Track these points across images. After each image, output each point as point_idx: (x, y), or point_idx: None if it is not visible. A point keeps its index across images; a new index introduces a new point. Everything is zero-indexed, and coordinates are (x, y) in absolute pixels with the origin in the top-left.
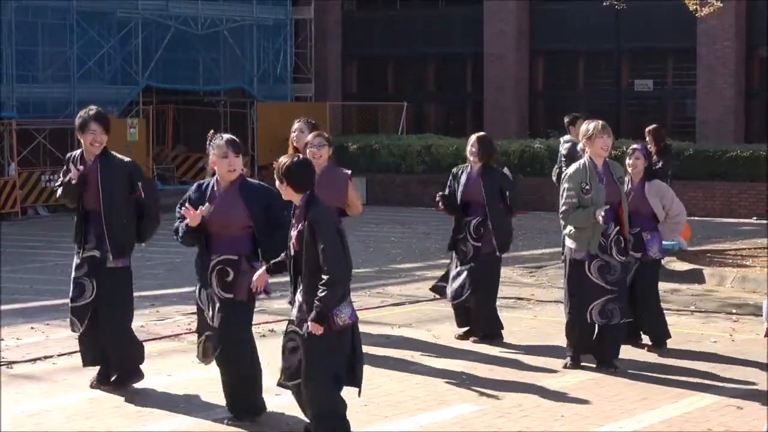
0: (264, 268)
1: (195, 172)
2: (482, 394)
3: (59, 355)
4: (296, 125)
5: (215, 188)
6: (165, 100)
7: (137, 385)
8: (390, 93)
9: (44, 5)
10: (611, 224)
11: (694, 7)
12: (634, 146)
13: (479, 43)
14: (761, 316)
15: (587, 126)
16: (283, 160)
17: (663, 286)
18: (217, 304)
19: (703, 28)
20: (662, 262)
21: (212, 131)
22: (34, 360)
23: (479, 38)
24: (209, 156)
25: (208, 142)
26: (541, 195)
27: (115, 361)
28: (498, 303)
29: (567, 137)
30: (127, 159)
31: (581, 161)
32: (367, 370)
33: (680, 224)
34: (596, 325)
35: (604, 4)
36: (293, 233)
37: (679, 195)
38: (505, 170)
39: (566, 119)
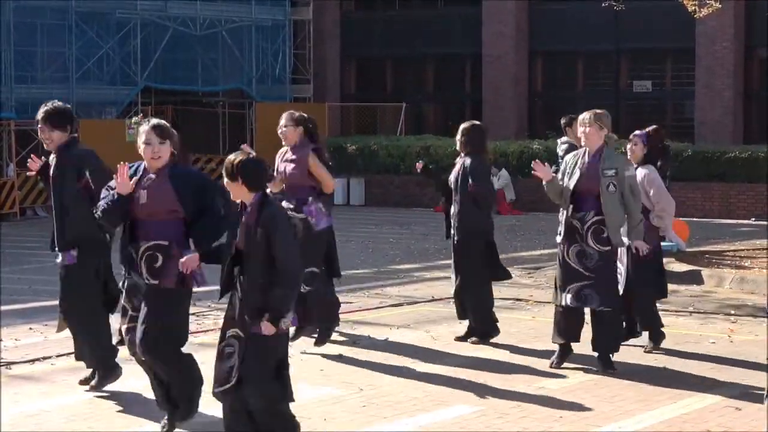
0: (195, 251)
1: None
2: (481, 394)
3: (58, 356)
4: (282, 122)
5: (145, 173)
6: (164, 100)
7: (136, 384)
8: (389, 94)
9: (43, 6)
10: (590, 212)
11: (693, 7)
12: (635, 132)
13: (478, 43)
14: (760, 317)
15: (582, 114)
16: (236, 157)
17: None
18: (143, 292)
19: (702, 29)
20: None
21: (140, 116)
22: (33, 361)
23: (478, 39)
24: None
25: (136, 126)
26: (540, 196)
27: (87, 361)
28: (496, 304)
29: (564, 138)
30: (85, 149)
31: (582, 149)
32: (366, 371)
33: (664, 212)
34: (579, 313)
35: (603, 4)
36: (239, 230)
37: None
38: (503, 172)
39: (563, 120)
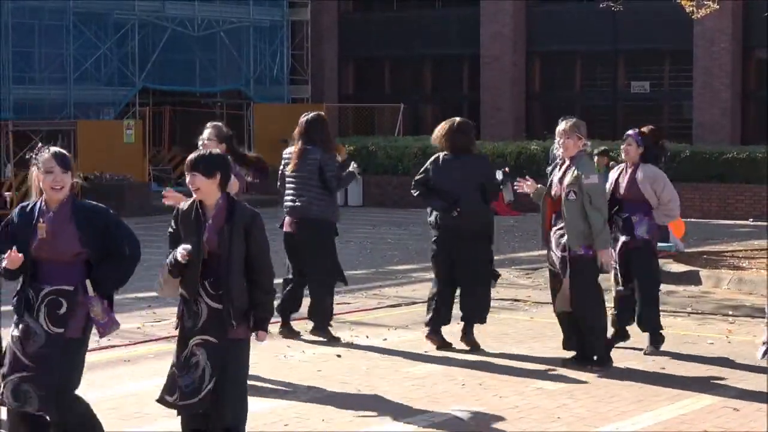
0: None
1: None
2: (479, 395)
3: None
4: (206, 133)
5: (44, 209)
6: (161, 101)
7: (134, 386)
8: (387, 94)
9: (41, 6)
10: (560, 220)
11: (691, 8)
12: (628, 132)
13: (476, 44)
14: (758, 317)
15: (560, 125)
16: (206, 151)
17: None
18: (42, 340)
19: (700, 29)
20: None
21: (39, 145)
22: None
23: (476, 40)
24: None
25: (33, 156)
26: None
27: None
28: (494, 304)
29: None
30: None
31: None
32: (364, 372)
33: (673, 211)
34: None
35: (601, 5)
36: (208, 233)
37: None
38: (498, 174)
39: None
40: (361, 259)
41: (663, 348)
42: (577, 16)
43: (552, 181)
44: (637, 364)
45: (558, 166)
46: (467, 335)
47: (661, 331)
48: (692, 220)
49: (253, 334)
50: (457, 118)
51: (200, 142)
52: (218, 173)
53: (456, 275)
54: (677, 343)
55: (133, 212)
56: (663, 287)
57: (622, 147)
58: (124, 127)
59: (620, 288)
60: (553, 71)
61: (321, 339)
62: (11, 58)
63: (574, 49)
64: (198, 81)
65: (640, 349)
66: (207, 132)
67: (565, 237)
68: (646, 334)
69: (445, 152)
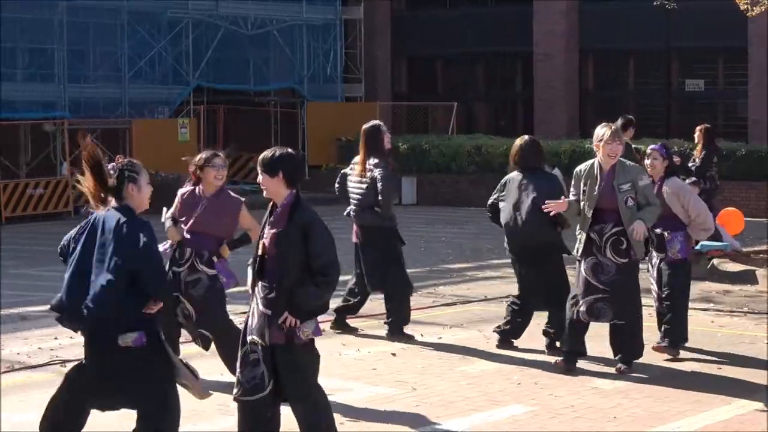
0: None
1: (246, 172)
2: (534, 394)
3: None
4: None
5: None
6: (215, 100)
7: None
8: (440, 93)
9: (95, 5)
10: (609, 224)
11: (745, 6)
12: (652, 147)
13: (529, 42)
14: None
15: (600, 130)
16: (275, 150)
17: (715, 287)
18: None
19: (754, 27)
20: (714, 263)
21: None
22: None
23: (529, 37)
24: None
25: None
26: None
27: None
28: None
29: None
30: None
31: (590, 161)
32: (419, 371)
33: (707, 224)
34: (587, 327)
35: (655, 3)
36: (268, 233)
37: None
38: (555, 171)
39: (620, 121)
40: (416, 257)
41: (719, 348)
42: (630, 14)
43: (589, 191)
44: (693, 364)
45: (591, 176)
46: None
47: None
48: (748, 219)
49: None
50: (526, 137)
51: (215, 169)
52: (281, 172)
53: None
54: (734, 343)
55: None
56: (719, 287)
57: (647, 162)
58: (178, 126)
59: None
60: (607, 69)
61: (376, 336)
62: (66, 56)
63: (628, 47)
64: (252, 79)
65: (696, 350)
66: (219, 159)
67: (623, 243)
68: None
69: (516, 171)
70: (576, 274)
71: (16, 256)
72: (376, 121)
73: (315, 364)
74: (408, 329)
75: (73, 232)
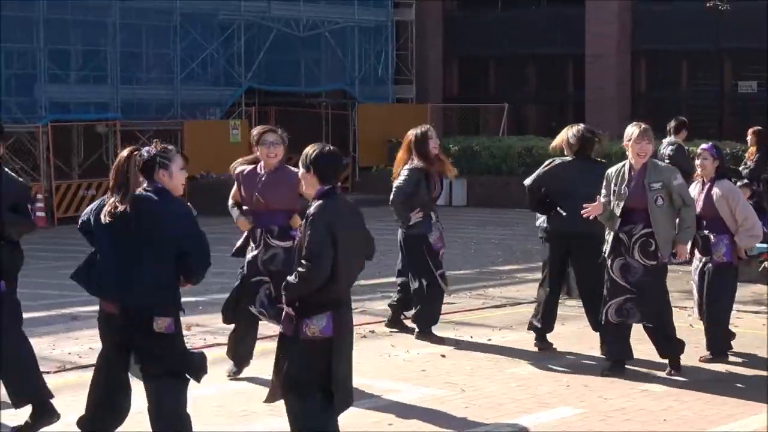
0: None
1: None
2: (584, 397)
3: None
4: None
5: None
6: (267, 101)
7: (239, 384)
8: (491, 94)
9: (148, 7)
10: (639, 225)
11: None
12: (703, 146)
13: (581, 43)
14: None
15: (630, 129)
16: (313, 148)
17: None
18: None
19: None
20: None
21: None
22: None
23: (581, 39)
24: None
25: None
26: None
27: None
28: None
29: (672, 139)
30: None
31: (623, 162)
32: (468, 373)
33: (754, 230)
34: (629, 329)
35: (707, 4)
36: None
37: None
38: None
39: (673, 123)
40: (465, 259)
41: (723, 359)
42: (682, 15)
43: (619, 189)
44: (744, 367)
45: (622, 176)
46: None
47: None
48: None
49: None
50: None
51: (267, 147)
52: (313, 168)
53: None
54: None
55: None
56: None
57: (697, 162)
58: (230, 127)
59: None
60: (659, 70)
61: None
62: (119, 58)
63: (680, 48)
64: (303, 81)
65: (747, 354)
66: (270, 137)
67: (654, 243)
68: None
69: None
70: (605, 274)
71: (68, 257)
72: (425, 126)
73: (316, 365)
74: (457, 331)
75: (94, 206)
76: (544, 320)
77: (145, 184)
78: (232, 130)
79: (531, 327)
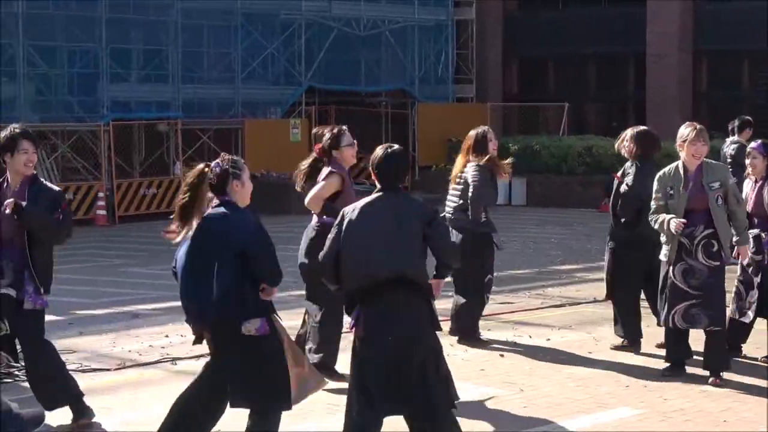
0: None
1: (357, 172)
2: (643, 397)
3: None
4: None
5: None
6: (327, 100)
7: None
8: (551, 93)
9: (209, 7)
10: (700, 227)
11: None
12: (752, 145)
13: (641, 42)
14: None
15: (684, 130)
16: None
17: None
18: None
19: None
20: None
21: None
22: (198, 357)
23: (641, 38)
24: None
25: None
26: None
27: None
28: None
29: (735, 138)
30: (55, 188)
31: (674, 164)
32: (527, 372)
33: None
34: (688, 331)
35: None
36: None
37: None
38: None
39: (736, 122)
40: (525, 258)
41: None
42: (745, 14)
43: (676, 193)
44: None
45: (677, 178)
46: None
47: None
48: None
49: None
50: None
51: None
52: (374, 171)
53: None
54: None
55: (299, 210)
56: None
57: (747, 161)
58: (290, 126)
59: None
60: (721, 70)
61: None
62: (180, 57)
63: (742, 47)
64: (363, 80)
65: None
66: (345, 140)
67: (716, 244)
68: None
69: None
70: (661, 280)
71: (128, 255)
72: (485, 127)
73: (252, 368)
74: (516, 330)
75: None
76: None
77: (214, 201)
78: (293, 130)
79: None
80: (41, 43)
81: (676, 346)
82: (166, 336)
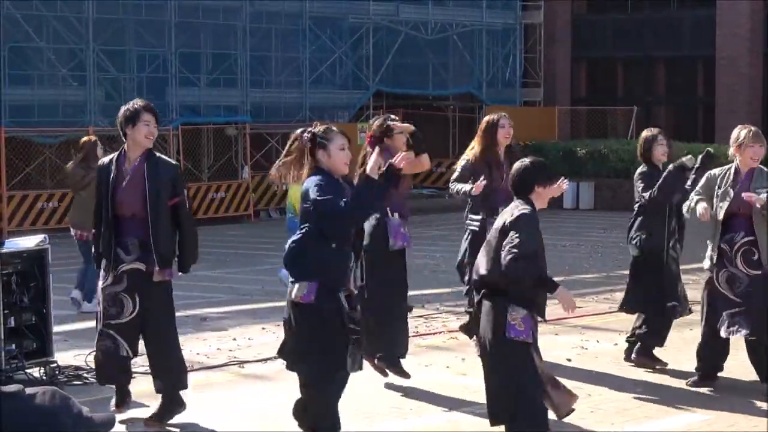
0: None
1: (424, 175)
2: (710, 402)
3: None
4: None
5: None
6: (394, 104)
7: (361, 386)
8: (619, 96)
9: (278, 10)
10: (740, 233)
11: None
12: None
13: (711, 45)
14: None
15: (739, 132)
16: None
17: None
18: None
19: None
20: None
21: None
22: (265, 360)
23: (711, 40)
24: None
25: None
26: None
27: (163, 388)
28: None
29: None
30: (172, 161)
31: (728, 166)
32: (594, 377)
33: None
34: (728, 342)
35: None
36: None
37: None
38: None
39: None
40: (592, 262)
41: None
42: None
43: (723, 193)
44: None
45: (727, 179)
46: None
47: None
48: None
49: None
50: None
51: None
52: None
53: None
54: None
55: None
56: None
57: None
58: (357, 130)
59: None
60: None
61: (549, 343)
62: (249, 61)
63: None
64: (431, 84)
65: None
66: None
67: (757, 252)
68: None
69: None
70: (708, 286)
71: None
72: (502, 114)
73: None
74: (584, 335)
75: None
76: None
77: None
78: (360, 133)
79: None
80: (111, 47)
81: (711, 357)
82: (234, 339)
